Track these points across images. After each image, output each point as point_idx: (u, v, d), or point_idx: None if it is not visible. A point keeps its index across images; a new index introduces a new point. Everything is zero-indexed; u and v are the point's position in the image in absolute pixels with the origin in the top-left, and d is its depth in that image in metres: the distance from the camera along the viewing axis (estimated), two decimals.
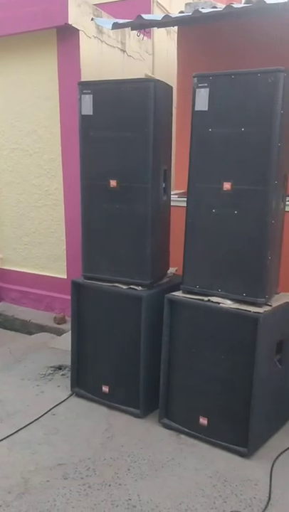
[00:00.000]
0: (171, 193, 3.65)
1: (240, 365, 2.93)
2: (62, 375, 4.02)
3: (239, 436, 2.97)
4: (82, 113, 3.30)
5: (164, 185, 3.41)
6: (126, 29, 5.59)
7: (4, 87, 5.26)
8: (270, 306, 2.97)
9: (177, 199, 3.90)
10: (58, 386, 3.82)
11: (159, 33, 6.80)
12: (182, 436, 3.17)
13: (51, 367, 4.15)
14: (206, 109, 2.95)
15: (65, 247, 5.28)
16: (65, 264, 5.32)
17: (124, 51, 5.58)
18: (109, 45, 5.28)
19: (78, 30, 4.67)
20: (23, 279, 5.66)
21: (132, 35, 5.79)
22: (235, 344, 2.94)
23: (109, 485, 2.69)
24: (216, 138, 2.94)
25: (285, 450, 3.04)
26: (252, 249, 2.91)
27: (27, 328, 5.27)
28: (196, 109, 2.98)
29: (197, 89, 2.95)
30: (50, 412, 3.43)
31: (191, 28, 4.48)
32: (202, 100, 2.95)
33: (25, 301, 5.69)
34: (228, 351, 2.98)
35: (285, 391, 3.30)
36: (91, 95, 3.24)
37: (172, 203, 3.67)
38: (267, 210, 2.84)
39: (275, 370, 3.10)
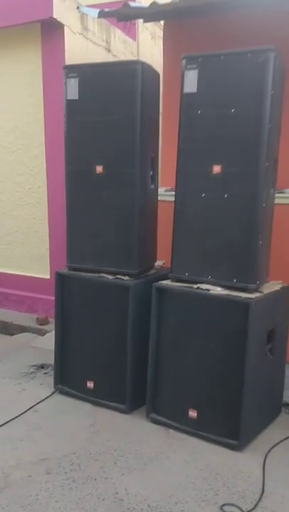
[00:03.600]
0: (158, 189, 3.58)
1: (231, 355, 2.83)
2: (45, 373, 3.86)
3: (230, 428, 2.85)
4: (68, 97, 3.21)
5: (151, 173, 3.33)
6: (111, 28, 5.57)
7: None
8: (261, 292, 2.88)
9: (164, 193, 3.81)
10: (41, 384, 3.67)
11: (144, 36, 6.81)
12: (171, 430, 3.04)
13: (33, 366, 4.00)
14: (195, 91, 2.89)
15: (48, 246, 5.15)
16: (48, 264, 5.18)
17: (109, 50, 5.53)
18: (94, 43, 5.23)
19: (63, 25, 4.61)
20: (4, 280, 5.50)
21: (117, 35, 5.77)
22: (226, 332, 2.84)
23: (95, 479, 2.55)
24: (204, 120, 2.87)
25: (278, 443, 2.93)
26: (242, 233, 2.83)
27: (8, 329, 5.10)
28: (184, 91, 2.92)
29: (186, 71, 2.89)
30: (32, 409, 3.28)
31: (179, 21, 4.43)
32: (191, 82, 2.89)
33: (6, 303, 5.52)
34: (218, 340, 2.87)
35: (276, 382, 3.20)
36: (77, 79, 3.16)
37: (160, 198, 3.59)
38: (258, 193, 2.77)
39: (267, 360, 3.00)
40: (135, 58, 6.11)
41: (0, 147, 5.23)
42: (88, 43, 5.12)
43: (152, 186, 3.37)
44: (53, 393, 3.51)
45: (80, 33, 4.93)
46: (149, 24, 7.02)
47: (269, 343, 3.02)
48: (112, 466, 2.66)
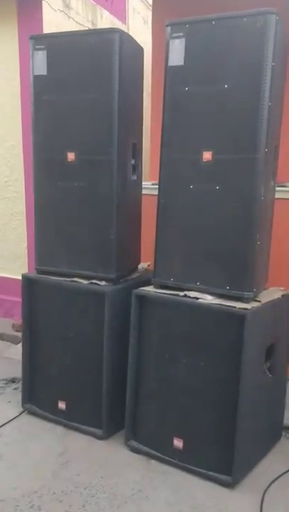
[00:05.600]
0: (144, 183, 3.14)
1: (223, 374, 2.40)
2: (15, 389, 3.42)
3: (222, 462, 2.42)
4: (35, 73, 2.77)
5: (133, 161, 2.89)
6: (98, 8, 5.13)
7: None
8: (259, 301, 2.44)
9: (152, 186, 3.36)
10: (9, 402, 3.23)
11: (135, 20, 6.37)
12: (153, 461, 2.61)
13: (2, 380, 3.55)
14: (182, 63, 2.44)
15: (26, 244, 4.70)
16: (27, 264, 4.74)
17: None
18: (77, 23, 4.78)
19: (41, 0, 4.16)
20: None
21: (104, 16, 5.32)
22: (218, 349, 2.41)
23: None
24: (193, 98, 2.43)
25: (278, 477, 2.50)
26: (237, 232, 2.39)
27: None
28: (169, 64, 2.47)
29: (171, 40, 2.45)
30: None
31: None
32: (177, 53, 2.44)
33: None
34: (208, 357, 2.44)
35: (276, 404, 2.77)
36: (45, 51, 2.72)
37: (145, 191, 3.16)
38: (255, 184, 2.33)
39: (265, 379, 2.57)
40: None
41: None
42: (71, 23, 4.67)
43: (134, 177, 2.93)
44: (20, 413, 3.07)
45: (61, 11, 4.48)
46: (141, 7, 6.59)
47: (268, 360, 2.58)
48: (79, 509, 2.23)
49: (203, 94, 2.40)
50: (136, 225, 3.06)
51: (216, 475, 2.43)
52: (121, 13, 6.02)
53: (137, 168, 2.94)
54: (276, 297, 2.58)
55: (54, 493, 2.33)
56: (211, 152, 2.40)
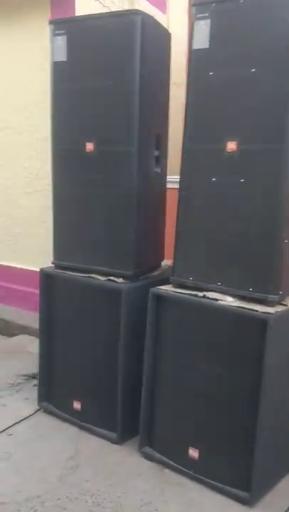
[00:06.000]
0: (171, 177, 2.97)
1: (243, 384, 2.22)
2: (35, 385, 3.32)
3: (240, 476, 2.24)
4: (55, 59, 2.66)
5: (156, 153, 2.74)
6: None
7: None
8: (286, 305, 2.24)
9: (177, 180, 3.19)
10: (26, 399, 3.15)
11: (175, 11, 6.17)
12: (166, 471, 2.46)
13: (23, 375, 3.48)
14: (207, 46, 2.27)
15: None
16: None
17: None
18: None
19: None
20: (11, 275, 5.02)
21: (142, 5, 5.16)
22: (237, 355, 2.23)
23: None
24: (218, 83, 2.25)
25: None
26: (262, 229, 2.20)
27: (9, 329, 4.61)
28: (194, 47, 2.30)
29: (196, 22, 2.28)
30: (5, 432, 2.76)
31: None
32: (202, 35, 2.27)
33: (12, 300, 5.04)
34: (227, 364, 2.26)
35: None
36: (65, 36, 2.60)
37: (172, 185, 2.99)
38: (282, 177, 2.13)
39: None
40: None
41: (7, 129, 4.73)
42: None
43: (158, 170, 2.78)
44: (36, 411, 2.99)
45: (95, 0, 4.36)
46: None
47: None
48: None
49: (229, 79, 2.22)
50: (159, 220, 2.90)
51: (233, 490, 2.26)
52: (161, 3, 5.84)
53: (160, 161, 2.79)
54: None
55: (58, 498, 2.22)
56: (235, 142, 2.22)
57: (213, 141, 2.28)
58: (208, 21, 2.25)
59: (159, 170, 2.79)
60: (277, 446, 2.33)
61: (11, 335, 4.50)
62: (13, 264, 5.00)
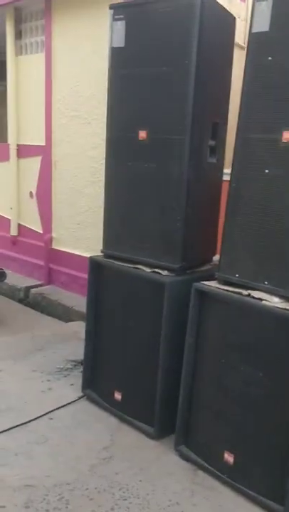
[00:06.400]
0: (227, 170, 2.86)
1: (284, 389, 2.08)
2: (81, 372, 3.35)
3: (274, 487, 2.11)
4: (113, 45, 2.61)
5: (212, 143, 2.63)
6: None
7: (64, 46, 4.73)
8: None
9: None
10: (72, 385, 3.17)
11: None
12: (200, 472, 2.37)
13: (72, 361, 3.52)
14: (267, 29, 2.13)
15: None
16: None
17: None
18: None
19: None
20: (74, 262, 5.09)
21: None
22: (279, 359, 2.09)
23: None
24: (277, 68, 2.11)
25: None
26: None
27: (69, 315, 4.69)
28: (253, 30, 2.17)
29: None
30: (47, 416, 2.79)
31: None
32: (263, 19, 2.13)
33: (74, 286, 5.12)
34: (268, 367, 2.13)
35: None
36: (124, 21, 2.55)
37: (228, 178, 2.87)
38: None
39: None
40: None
41: (77, 118, 4.78)
42: None
43: (213, 160, 2.67)
44: (79, 398, 3.00)
45: None
46: None
47: None
48: (106, 511, 2.07)
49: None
50: (212, 213, 2.79)
51: (266, 501, 2.14)
52: None
53: (217, 151, 2.68)
54: None
55: (87, 488, 2.21)
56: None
57: (268, 130, 2.14)
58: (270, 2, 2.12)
59: (214, 160, 2.68)
60: None
61: (69, 321, 4.57)
62: (76, 252, 5.07)
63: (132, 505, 2.12)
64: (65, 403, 2.93)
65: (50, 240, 5.27)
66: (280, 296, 2.14)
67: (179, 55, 2.38)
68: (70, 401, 2.96)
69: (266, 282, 2.19)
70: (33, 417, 2.74)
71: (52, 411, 2.84)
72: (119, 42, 2.58)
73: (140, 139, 2.56)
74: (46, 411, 2.83)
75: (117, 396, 2.81)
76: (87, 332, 2.96)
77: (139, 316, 2.67)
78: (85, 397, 3.01)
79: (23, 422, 2.69)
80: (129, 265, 2.69)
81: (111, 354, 2.86)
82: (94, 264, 2.87)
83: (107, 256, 2.82)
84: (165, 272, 2.56)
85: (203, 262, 2.79)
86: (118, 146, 2.68)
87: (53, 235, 5.26)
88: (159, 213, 2.57)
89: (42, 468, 2.32)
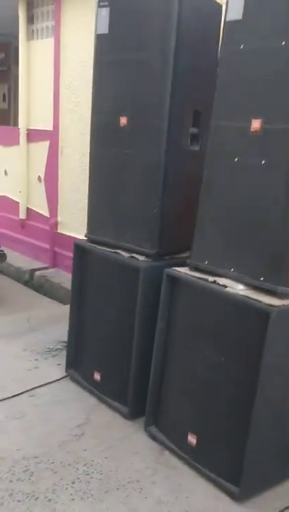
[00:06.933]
0: None
1: (243, 374, 2.12)
2: None
3: (233, 469, 2.16)
4: (98, 32, 2.65)
5: (194, 130, 2.65)
6: None
7: (72, 31, 4.77)
8: None
9: None
10: (58, 364, 3.26)
11: None
12: (166, 453, 2.44)
13: (63, 342, 3.59)
14: (240, 17, 2.13)
15: None
16: None
17: None
18: None
19: None
20: None
21: None
22: (240, 345, 2.13)
23: (36, 498, 2.07)
24: (247, 57, 2.12)
25: None
26: (279, 217, 2.05)
27: (70, 298, 4.77)
28: (228, 18, 2.18)
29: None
30: (28, 393, 2.89)
31: None
32: (236, 5, 2.14)
33: None
34: (228, 352, 2.17)
35: None
36: (108, 8, 2.58)
37: None
38: None
39: None
40: None
41: (82, 103, 4.81)
42: None
43: (195, 148, 2.69)
44: (62, 378, 3.09)
45: None
46: None
47: None
48: (67, 485, 2.16)
49: (258, 53, 2.08)
50: (194, 201, 2.81)
51: (224, 483, 2.19)
52: None
53: (200, 139, 2.69)
54: None
55: (52, 462, 2.30)
56: (260, 120, 2.08)
57: (238, 118, 2.16)
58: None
59: (197, 148, 2.70)
60: (278, 445, 2.21)
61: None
62: (79, 237, 5.12)
63: (93, 480, 2.20)
64: (48, 382, 3.02)
65: (56, 223, 5.36)
66: (245, 284, 2.17)
67: (158, 41, 2.40)
68: (53, 380, 3.05)
69: (232, 269, 2.22)
70: (17, 393, 2.84)
71: (33, 388, 2.93)
72: (104, 29, 2.61)
73: (121, 125, 2.59)
74: (28, 388, 2.92)
75: (96, 376, 2.88)
76: (71, 314, 3.04)
77: (118, 299, 2.73)
78: (68, 376, 3.09)
79: (4, 397, 2.79)
80: (110, 250, 2.74)
81: (92, 336, 2.94)
82: (78, 249, 2.94)
83: (90, 241, 2.88)
84: (142, 258, 2.60)
85: (184, 248, 2.81)
86: (101, 132, 2.72)
87: (59, 219, 5.35)
88: (138, 200, 2.61)
89: (14, 442, 2.42)
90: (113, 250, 2.73)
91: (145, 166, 2.54)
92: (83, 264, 2.95)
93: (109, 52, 2.61)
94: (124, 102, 2.58)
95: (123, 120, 2.58)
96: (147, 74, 2.46)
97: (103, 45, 2.63)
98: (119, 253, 2.69)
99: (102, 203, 2.79)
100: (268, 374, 2.01)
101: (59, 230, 5.38)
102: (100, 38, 2.64)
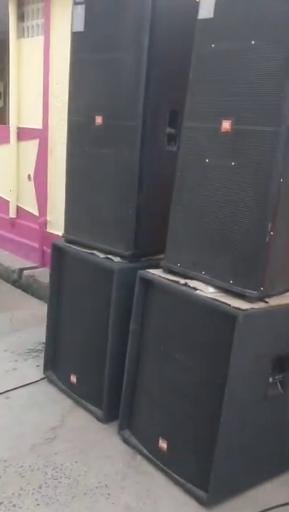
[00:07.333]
0: None
1: (209, 379, 2.09)
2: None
3: (201, 474, 2.13)
4: (73, 30, 2.61)
5: (171, 131, 2.61)
6: None
7: (62, 29, 4.73)
8: (266, 302, 2.06)
9: None
10: (37, 366, 3.23)
11: None
12: (138, 457, 2.41)
13: (44, 343, 3.55)
14: (212, 16, 2.09)
15: None
16: None
17: None
18: None
19: None
20: None
21: None
22: (209, 349, 2.10)
23: (1, 503, 2.04)
24: (219, 57, 2.08)
25: (270, 509, 2.13)
26: (248, 218, 2.02)
27: None
28: (199, 17, 2.14)
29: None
30: (4, 394, 2.86)
31: None
32: (208, 3, 2.10)
33: None
34: (198, 357, 2.14)
35: None
36: (83, 5, 2.54)
37: None
38: (272, 162, 1.93)
39: (272, 395, 2.18)
40: None
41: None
42: None
43: (173, 148, 2.65)
44: (40, 379, 3.06)
45: None
46: None
47: (281, 372, 2.19)
48: (34, 490, 2.13)
49: (229, 52, 2.04)
50: (171, 201, 2.77)
51: (192, 488, 2.16)
52: None
53: (177, 139, 2.65)
54: None
55: (21, 466, 2.27)
56: (230, 121, 2.04)
57: (208, 119, 2.13)
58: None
59: (174, 149, 2.65)
60: (248, 451, 2.17)
61: None
62: None
63: (61, 485, 2.17)
64: (25, 383, 2.99)
65: (45, 223, 5.32)
66: (215, 286, 2.13)
67: (132, 40, 2.36)
68: (30, 381, 3.02)
69: (203, 272, 2.18)
70: None
71: (10, 390, 2.91)
72: (79, 26, 2.57)
73: (97, 124, 2.56)
74: (5, 390, 2.90)
75: (73, 379, 2.86)
76: (49, 315, 3.02)
77: (93, 301, 2.70)
78: (46, 378, 3.06)
79: None
80: (86, 251, 2.71)
81: (69, 338, 2.91)
82: (55, 249, 2.91)
83: (67, 241, 2.85)
84: (117, 259, 2.57)
85: (161, 250, 2.77)
86: (77, 132, 2.69)
87: (48, 218, 5.31)
88: (113, 200, 2.58)
89: None
90: (89, 251, 2.70)
91: (120, 166, 2.51)
92: (61, 264, 2.92)
93: (84, 51, 2.58)
94: (100, 102, 2.55)
95: (98, 119, 2.54)
96: (121, 73, 2.43)
97: (79, 43, 2.60)
98: (94, 254, 2.66)
99: (79, 202, 2.76)
100: (235, 379, 1.98)
101: (48, 230, 5.35)
102: (75, 36, 2.61)
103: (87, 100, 2.61)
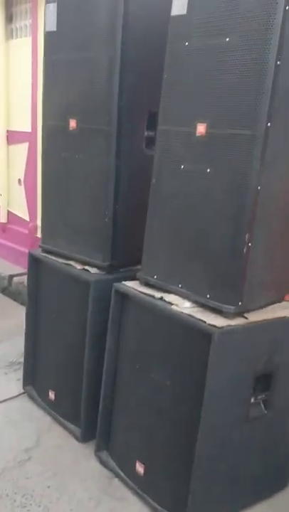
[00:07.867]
0: None
1: (186, 400, 1.95)
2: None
3: (178, 501, 1.99)
4: (46, 29, 2.48)
5: (150, 134, 2.47)
6: None
7: None
8: (246, 318, 1.92)
9: None
10: (18, 380, 3.10)
11: None
12: (116, 481, 2.27)
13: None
14: (185, 12, 1.96)
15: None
16: None
17: None
18: None
19: None
20: None
21: None
22: (184, 367, 1.97)
23: None
24: (194, 55, 1.94)
25: None
26: (224, 228, 1.88)
27: None
28: (172, 13, 2.01)
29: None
30: None
31: None
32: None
33: None
34: (175, 375, 2.00)
35: (277, 446, 2.21)
36: (55, 4, 2.41)
37: None
38: (248, 167, 1.79)
39: (255, 415, 2.04)
40: None
41: None
42: None
43: (152, 153, 2.49)
44: (19, 394, 2.93)
45: None
46: None
47: (263, 392, 2.05)
48: None
49: (204, 50, 1.90)
50: None
51: None
52: None
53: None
54: (280, 316, 2.01)
55: None
56: (204, 124, 1.91)
57: (184, 122, 1.98)
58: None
59: (154, 153, 2.52)
60: (227, 476, 2.03)
61: None
62: None
63: None
64: (2, 399, 2.86)
65: (35, 228, 5.20)
66: (193, 301, 1.99)
67: (104, 39, 2.23)
68: (9, 397, 2.89)
69: (180, 285, 2.05)
70: None
71: None
72: (52, 26, 2.44)
73: (71, 128, 2.43)
74: None
75: (51, 395, 2.73)
76: (27, 327, 2.89)
77: (69, 314, 2.58)
78: (26, 394, 2.93)
79: None
80: (62, 261, 2.58)
81: (47, 351, 2.78)
82: (32, 259, 2.78)
83: (45, 250, 2.72)
84: (94, 270, 2.44)
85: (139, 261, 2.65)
86: (51, 136, 2.56)
87: (38, 223, 5.18)
88: (89, 208, 2.45)
89: None
90: (66, 261, 2.57)
91: (95, 172, 2.38)
92: (38, 275, 2.79)
93: (57, 51, 2.45)
94: (73, 104, 2.41)
95: (72, 123, 2.41)
96: (95, 74, 2.30)
97: (51, 43, 2.47)
98: (71, 265, 2.53)
99: (55, 210, 2.63)
100: (212, 399, 1.84)
101: (38, 235, 5.22)
102: (48, 36, 2.48)
103: (60, 103, 2.48)
